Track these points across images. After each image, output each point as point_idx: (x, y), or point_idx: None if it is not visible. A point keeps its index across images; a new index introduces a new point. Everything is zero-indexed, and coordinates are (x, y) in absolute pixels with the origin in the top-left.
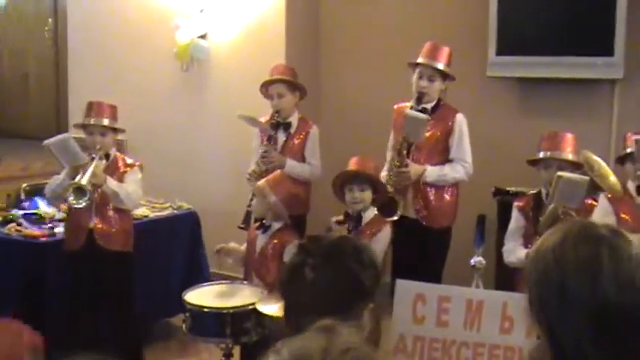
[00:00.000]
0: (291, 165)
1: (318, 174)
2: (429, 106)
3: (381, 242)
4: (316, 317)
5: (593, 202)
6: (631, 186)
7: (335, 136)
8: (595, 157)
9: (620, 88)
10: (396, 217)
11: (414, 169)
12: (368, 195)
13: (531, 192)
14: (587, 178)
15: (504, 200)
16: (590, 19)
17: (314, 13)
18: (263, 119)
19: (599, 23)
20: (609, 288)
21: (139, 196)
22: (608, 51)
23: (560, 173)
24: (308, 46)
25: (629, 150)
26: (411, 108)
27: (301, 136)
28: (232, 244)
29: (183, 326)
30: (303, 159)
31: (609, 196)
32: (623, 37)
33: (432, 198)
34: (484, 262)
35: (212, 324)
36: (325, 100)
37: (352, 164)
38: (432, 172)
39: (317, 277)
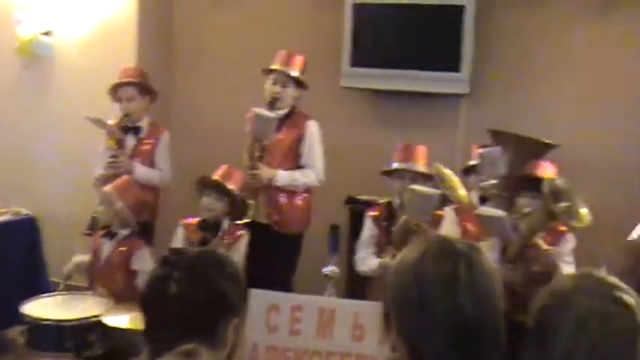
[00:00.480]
0: (140, 170)
1: (167, 180)
2: (282, 112)
3: (239, 252)
4: (179, 332)
5: (441, 213)
6: (474, 197)
7: (185, 141)
8: (446, 170)
9: (466, 102)
10: (246, 220)
11: (265, 172)
12: (223, 206)
13: (383, 201)
14: (438, 191)
15: (356, 209)
16: (439, 36)
17: (167, 17)
18: (111, 122)
19: (448, 40)
20: (466, 301)
21: None
22: (455, 67)
23: (412, 187)
24: (161, 50)
25: (473, 162)
26: None
27: (151, 141)
28: (77, 258)
29: (21, 340)
30: (152, 164)
31: (455, 207)
32: (469, 54)
33: (283, 203)
34: (337, 271)
35: (51, 337)
36: (177, 105)
37: (218, 172)
38: (283, 176)
39: (181, 290)
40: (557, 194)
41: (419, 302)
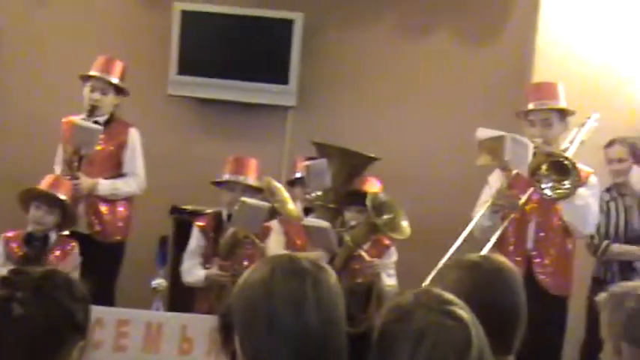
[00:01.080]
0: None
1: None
2: (101, 119)
3: (72, 265)
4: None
5: (269, 226)
6: (299, 208)
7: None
8: (276, 184)
9: (293, 114)
10: (67, 232)
11: (85, 182)
12: (54, 218)
13: (211, 211)
14: (268, 204)
15: (181, 219)
16: (268, 48)
17: None
18: None
19: (276, 52)
20: (313, 320)
21: None
22: (283, 79)
23: (243, 199)
24: None
25: (298, 174)
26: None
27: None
28: None
29: None
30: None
31: (280, 218)
32: (297, 67)
33: (104, 212)
34: (165, 283)
35: None
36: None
37: (45, 183)
38: (104, 185)
39: (27, 312)
40: (379, 208)
41: (267, 322)
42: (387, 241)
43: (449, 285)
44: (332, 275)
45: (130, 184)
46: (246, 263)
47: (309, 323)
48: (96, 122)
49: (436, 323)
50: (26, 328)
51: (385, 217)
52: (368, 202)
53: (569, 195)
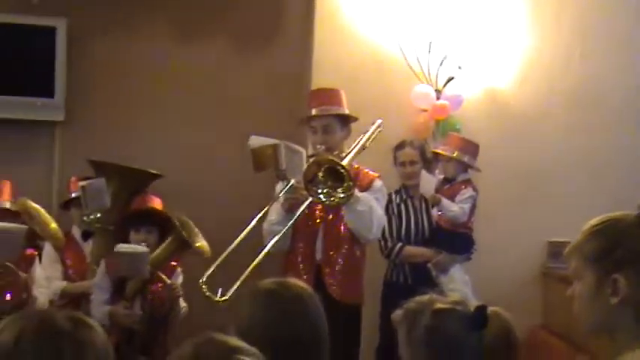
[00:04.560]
0: None
1: None
2: None
3: None
4: None
5: (32, 253)
6: (76, 232)
7: None
8: (34, 205)
9: (61, 130)
10: None
11: None
12: None
13: None
14: (21, 226)
15: None
16: (32, 59)
17: None
18: None
19: (40, 63)
20: None
21: None
22: (48, 92)
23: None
24: None
25: (74, 195)
26: None
27: None
28: None
29: None
30: None
31: (53, 243)
32: (63, 79)
33: None
34: None
35: None
36: None
37: None
38: None
39: None
40: (184, 226)
41: None
42: (173, 263)
43: (243, 316)
44: (97, 331)
45: None
46: (8, 297)
47: None
48: None
49: None
50: None
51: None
52: (176, 221)
53: (341, 202)
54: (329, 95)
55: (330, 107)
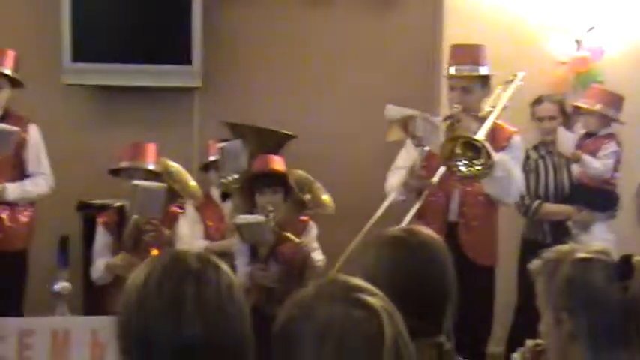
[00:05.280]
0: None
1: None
2: None
3: None
4: None
5: (175, 210)
6: (215, 193)
7: None
8: (173, 165)
9: (199, 96)
10: None
11: None
12: None
13: (116, 205)
14: (163, 185)
15: (89, 215)
16: (168, 28)
17: None
18: None
19: (177, 32)
20: (194, 330)
21: None
22: (186, 59)
23: (135, 182)
24: None
25: (212, 158)
26: None
27: None
28: None
29: None
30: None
31: (196, 204)
32: (199, 46)
33: (5, 219)
34: (69, 287)
35: None
36: None
37: None
38: (13, 189)
39: None
40: (301, 186)
41: (139, 340)
42: (304, 217)
43: (368, 265)
44: (224, 272)
45: (40, 185)
46: (155, 252)
47: (192, 336)
48: None
49: (341, 316)
50: None
51: (308, 195)
52: (291, 181)
53: (481, 176)
54: (470, 53)
55: (469, 66)
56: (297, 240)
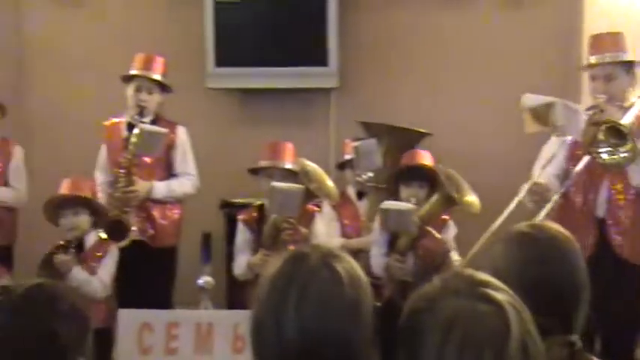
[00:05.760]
0: None
1: (24, 201)
2: (147, 119)
3: (108, 266)
4: None
5: (311, 208)
6: (351, 191)
7: (39, 156)
8: (310, 164)
9: (336, 96)
10: (126, 242)
11: (142, 187)
12: (84, 219)
13: (256, 204)
14: (300, 186)
15: (231, 213)
16: (304, 30)
17: (14, 26)
18: None
19: (313, 34)
20: (293, 332)
21: None
22: (322, 61)
23: (273, 183)
24: (9, 61)
25: (348, 157)
26: (130, 124)
27: (1, 159)
28: None
29: None
30: (4, 184)
31: (332, 203)
32: (336, 48)
33: (157, 216)
34: (212, 281)
35: None
36: (27, 118)
37: (64, 187)
38: (160, 188)
39: (6, 336)
40: (452, 181)
41: (254, 334)
42: (445, 216)
43: (496, 260)
44: (347, 263)
45: (185, 185)
46: (291, 249)
47: (289, 340)
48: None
49: (467, 310)
50: (5, 353)
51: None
52: (441, 176)
53: (622, 164)
54: (610, 40)
55: (612, 54)
56: (438, 236)
